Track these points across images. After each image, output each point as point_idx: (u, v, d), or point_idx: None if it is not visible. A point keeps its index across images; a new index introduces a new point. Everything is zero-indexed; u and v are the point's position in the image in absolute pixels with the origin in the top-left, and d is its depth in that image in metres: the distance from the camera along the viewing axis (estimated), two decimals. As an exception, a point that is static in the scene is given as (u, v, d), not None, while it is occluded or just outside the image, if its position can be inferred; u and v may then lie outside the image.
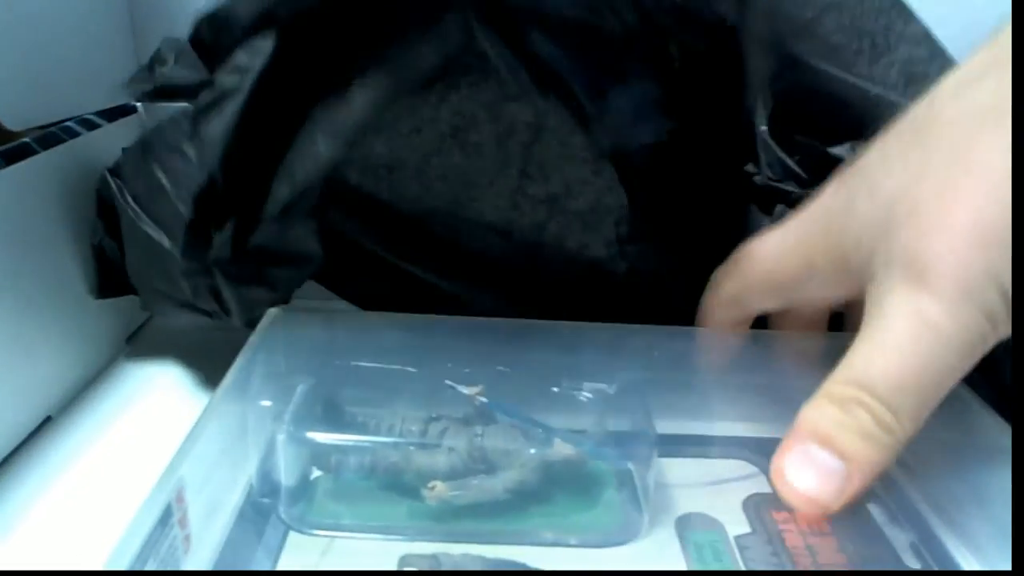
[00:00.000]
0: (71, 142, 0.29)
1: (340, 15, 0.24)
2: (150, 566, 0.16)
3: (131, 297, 0.30)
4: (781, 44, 0.33)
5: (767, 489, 0.22)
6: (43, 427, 0.28)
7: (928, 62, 0.30)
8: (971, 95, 0.19)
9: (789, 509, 0.21)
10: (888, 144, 0.21)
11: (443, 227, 0.32)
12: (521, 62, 0.26)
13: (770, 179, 0.30)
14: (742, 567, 0.20)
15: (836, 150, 0.30)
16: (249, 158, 0.24)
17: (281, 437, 0.21)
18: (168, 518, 0.17)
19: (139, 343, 0.34)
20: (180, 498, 0.18)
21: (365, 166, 0.31)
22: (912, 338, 0.19)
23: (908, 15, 0.31)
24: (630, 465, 0.22)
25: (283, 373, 0.24)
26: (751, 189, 0.29)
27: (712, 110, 0.28)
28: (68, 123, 0.29)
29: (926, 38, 0.30)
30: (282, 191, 0.25)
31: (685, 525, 0.21)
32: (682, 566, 0.20)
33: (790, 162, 0.30)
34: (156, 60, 0.26)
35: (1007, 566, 0.20)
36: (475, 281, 0.33)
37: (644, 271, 0.32)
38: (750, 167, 0.29)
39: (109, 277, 0.30)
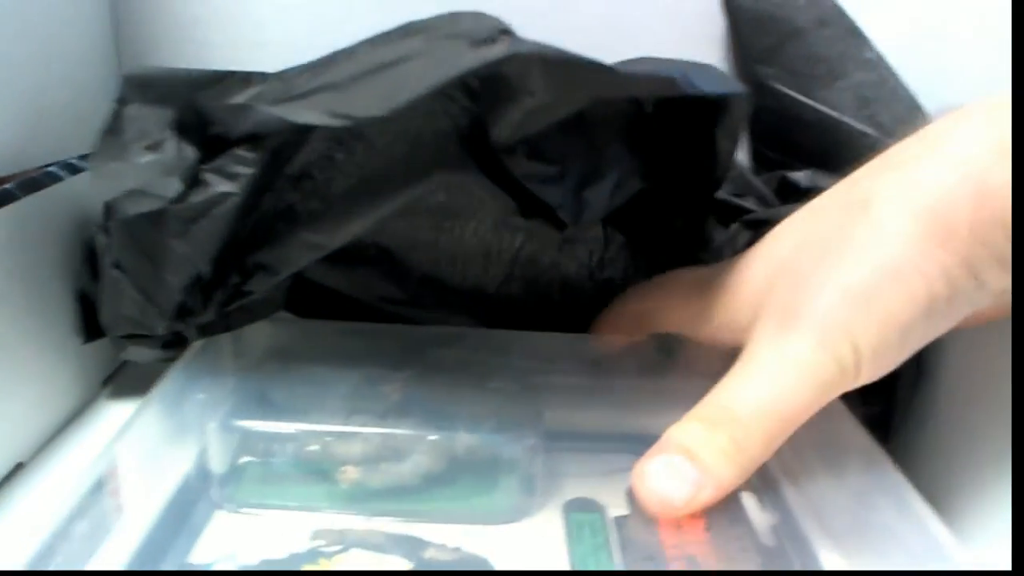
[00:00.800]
0: (53, 187, 0.29)
1: (325, 158, 0.25)
2: (80, 527, 0.19)
3: (107, 340, 0.29)
4: (749, 68, 0.35)
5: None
6: (14, 473, 0.27)
7: (879, 86, 0.33)
8: (849, 192, 0.23)
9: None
10: (787, 224, 0.25)
11: (424, 258, 0.33)
12: (504, 189, 0.27)
13: (732, 194, 0.32)
14: (616, 542, 0.23)
15: (795, 176, 0.32)
16: (233, 245, 0.25)
17: (213, 425, 0.24)
18: (100, 487, 0.20)
19: (115, 386, 0.33)
20: (114, 472, 0.21)
21: None
22: (775, 371, 0.22)
23: (863, 41, 0.33)
24: (523, 453, 0.24)
25: (221, 372, 0.27)
26: (711, 202, 0.31)
27: (684, 150, 0.29)
28: (51, 168, 0.29)
29: (879, 63, 0.33)
30: (267, 281, 0.26)
31: (570, 507, 0.24)
32: (562, 541, 0.23)
33: (755, 181, 0.32)
34: (120, 102, 0.26)
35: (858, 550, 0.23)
36: (452, 308, 0.35)
37: (611, 288, 0.34)
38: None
39: (93, 322, 0.30)
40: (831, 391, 0.21)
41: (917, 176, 0.21)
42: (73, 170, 0.30)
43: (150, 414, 0.23)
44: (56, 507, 0.19)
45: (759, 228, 0.28)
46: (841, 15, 0.33)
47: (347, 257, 0.32)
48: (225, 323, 0.28)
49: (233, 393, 0.25)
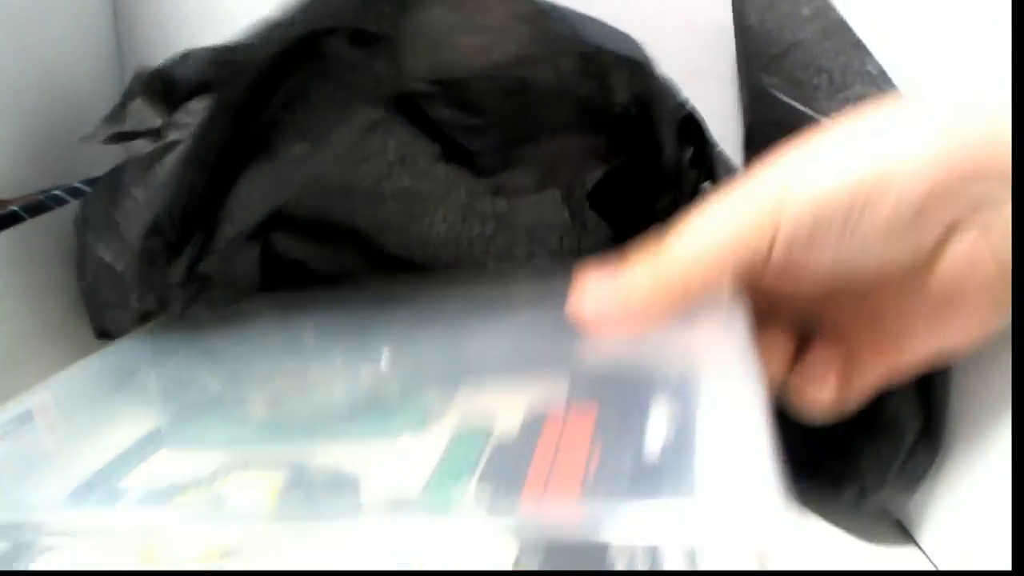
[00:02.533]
0: (58, 210, 0.30)
1: (266, 94, 0.28)
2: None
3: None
4: (753, 77, 0.35)
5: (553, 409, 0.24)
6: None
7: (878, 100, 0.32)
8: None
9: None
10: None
11: (395, 241, 0.35)
12: (426, 133, 0.29)
13: None
14: (483, 461, 0.22)
15: None
16: (194, 200, 0.29)
17: (154, 373, 0.27)
18: (28, 418, 0.24)
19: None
20: (46, 410, 0.24)
21: (320, 190, 0.34)
22: (707, 217, 0.24)
23: (865, 54, 0.33)
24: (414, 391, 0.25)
25: (172, 328, 0.30)
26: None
27: (655, 140, 0.30)
28: (55, 192, 0.31)
29: (880, 77, 0.33)
30: (227, 230, 0.30)
31: (462, 425, 0.24)
32: (437, 454, 0.23)
33: None
34: (127, 96, 0.29)
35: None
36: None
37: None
38: (707, 185, 0.31)
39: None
40: (750, 253, 0.23)
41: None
42: (76, 193, 0.32)
43: (93, 364, 0.27)
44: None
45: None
46: (845, 29, 0.33)
47: (319, 233, 0.35)
48: (207, 298, 0.32)
49: (178, 348, 0.29)
